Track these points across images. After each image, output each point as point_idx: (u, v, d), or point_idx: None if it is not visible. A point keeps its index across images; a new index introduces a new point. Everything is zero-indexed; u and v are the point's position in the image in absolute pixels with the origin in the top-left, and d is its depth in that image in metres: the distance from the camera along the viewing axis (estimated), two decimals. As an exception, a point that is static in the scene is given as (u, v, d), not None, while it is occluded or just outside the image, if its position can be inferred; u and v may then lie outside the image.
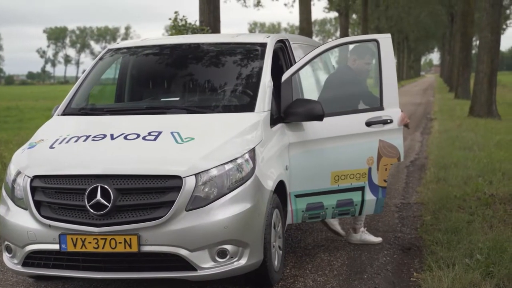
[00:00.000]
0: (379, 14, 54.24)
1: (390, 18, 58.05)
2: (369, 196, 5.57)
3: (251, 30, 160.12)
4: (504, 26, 47.85)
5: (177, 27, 13.68)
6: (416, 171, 10.18)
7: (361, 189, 5.53)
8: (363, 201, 5.57)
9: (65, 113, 5.39)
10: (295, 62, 6.24)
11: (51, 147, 4.62)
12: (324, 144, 5.40)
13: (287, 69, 5.70)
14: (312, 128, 5.35)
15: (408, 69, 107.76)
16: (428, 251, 5.57)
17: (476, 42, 49.66)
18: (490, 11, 18.48)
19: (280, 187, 4.92)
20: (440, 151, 11.63)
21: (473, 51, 41.39)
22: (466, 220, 6.43)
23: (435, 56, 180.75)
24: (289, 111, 5.18)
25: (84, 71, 6.01)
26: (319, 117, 5.15)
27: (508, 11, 45.52)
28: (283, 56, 5.90)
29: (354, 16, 51.97)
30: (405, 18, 60.05)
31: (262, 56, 5.46)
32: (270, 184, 4.62)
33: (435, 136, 14.46)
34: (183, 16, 13.76)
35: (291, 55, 6.14)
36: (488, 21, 18.60)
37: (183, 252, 4.14)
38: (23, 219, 4.34)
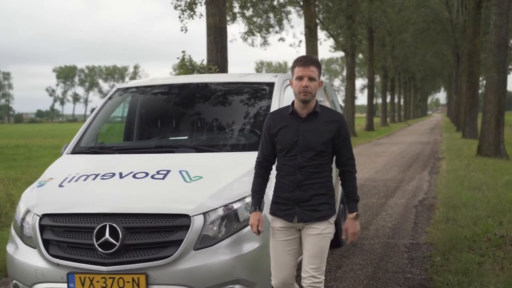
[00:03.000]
0: (385, 53, 54.76)
1: (396, 57, 58.54)
2: None
3: (258, 69, 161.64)
4: (511, 66, 48.08)
5: (185, 67, 13.85)
6: (424, 211, 10.11)
7: None
8: None
9: (74, 151, 5.42)
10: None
11: (60, 185, 4.63)
12: None
13: None
14: None
15: (415, 109, 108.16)
16: (438, 293, 5.50)
17: (483, 82, 49.87)
18: (496, 52, 18.60)
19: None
20: (449, 191, 11.56)
21: (480, 91, 41.56)
22: (476, 261, 6.36)
23: (441, 96, 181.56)
24: None
25: (92, 109, 6.10)
26: None
27: (514, 52, 45.81)
28: None
29: (360, 55, 52.45)
30: (411, 57, 60.57)
31: (270, 96, 5.50)
32: (278, 223, 4.58)
33: (443, 176, 14.39)
34: (189, 56, 13.95)
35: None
36: (494, 62, 18.70)
37: (191, 292, 4.09)
38: (32, 258, 4.33)
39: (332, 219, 4.07)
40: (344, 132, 4.08)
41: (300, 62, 4.06)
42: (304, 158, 3.99)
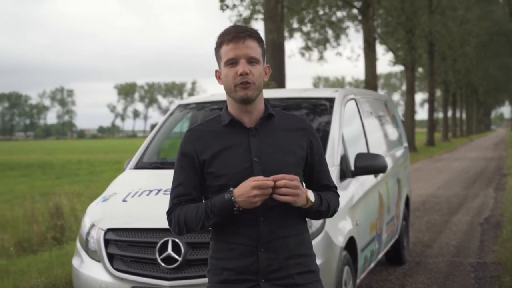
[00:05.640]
0: (446, 67, 53.56)
1: (458, 71, 57.16)
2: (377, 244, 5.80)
3: (315, 84, 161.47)
4: None
5: (242, 83, 13.94)
6: (491, 229, 9.76)
7: (373, 239, 5.65)
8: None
9: (137, 166, 5.50)
10: (363, 116, 6.22)
11: (124, 200, 4.70)
12: (366, 196, 5.48)
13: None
14: (362, 181, 5.43)
15: (477, 123, 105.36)
16: (508, 315, 5.28)
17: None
18: None
19: (350, 244, 4.81)
20: (516, 208, 11.15)
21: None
22: (548, 282, 6.08)
23: (506, 110, 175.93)
24: (356, 165, 5.13)
25: (152, 125, 6.20)
26: (384, 169, 5.26)
27: None
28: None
29: (420, 69, 51.54)
30: (474, 71, 59.05)
31: (330, 111, 5.45)
32: (340, 240, 4.52)
33: (510, 193, 13.89)
34: (246, 71, 14.05)
35: (359, 109, 6.12)
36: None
37: (252, 308, 4.05)
38: (97, 272, 4.39)
39: None
40: (318, 145, 2.60)
41: (229, 35, 2.44)
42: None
